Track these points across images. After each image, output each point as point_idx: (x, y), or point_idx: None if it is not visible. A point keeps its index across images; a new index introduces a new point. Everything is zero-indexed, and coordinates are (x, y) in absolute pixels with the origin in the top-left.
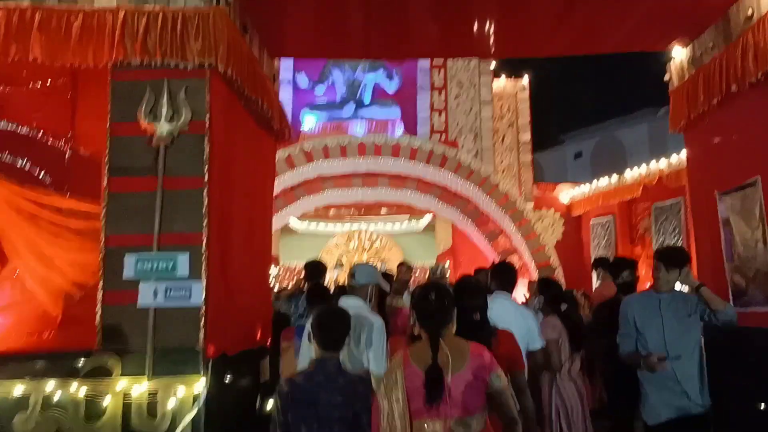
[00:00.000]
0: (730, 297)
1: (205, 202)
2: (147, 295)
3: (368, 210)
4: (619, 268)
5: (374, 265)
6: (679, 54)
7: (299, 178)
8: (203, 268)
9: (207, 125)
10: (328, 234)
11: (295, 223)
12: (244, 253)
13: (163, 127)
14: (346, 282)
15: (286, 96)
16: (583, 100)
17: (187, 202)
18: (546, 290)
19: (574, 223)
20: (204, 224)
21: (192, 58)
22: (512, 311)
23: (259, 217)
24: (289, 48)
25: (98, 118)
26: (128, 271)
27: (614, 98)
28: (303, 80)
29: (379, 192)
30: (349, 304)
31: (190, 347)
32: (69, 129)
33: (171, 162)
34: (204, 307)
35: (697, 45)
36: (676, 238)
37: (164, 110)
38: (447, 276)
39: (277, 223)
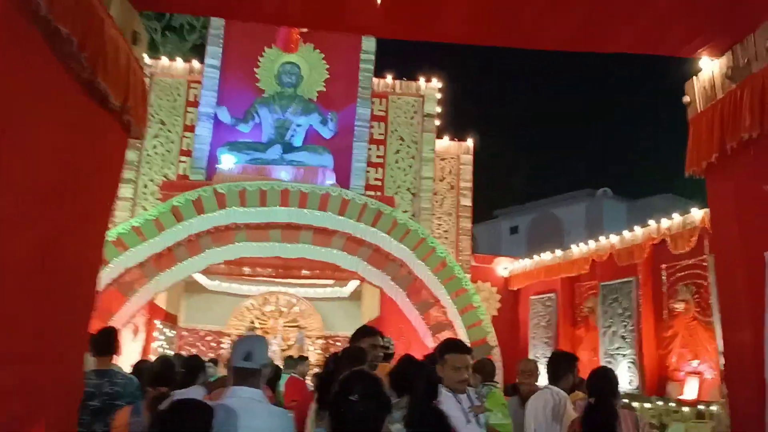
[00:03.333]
0: None
1: None
2: None
3: (288, 271)
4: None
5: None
6: (710, 67)
7: (207, 225)
8: None
9: None
10: (241, 295)
11: (203, 279)
12: (21, 293)
13: None
14: (233, 363)
15: (204, 132)
16: (521, 177)
17: None
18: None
19: (511, 298)
20: None
21: None
22: None
23: (71, 238)
24: None
25: None
26: None
27: (553, 176)
28: (225, 115)
29: (301, 248)
30: (243, 396)
31: None
32: None
33: None
34: None
35: (742, 50)
36: (625, 322)
37: None
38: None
39: (176, 276)
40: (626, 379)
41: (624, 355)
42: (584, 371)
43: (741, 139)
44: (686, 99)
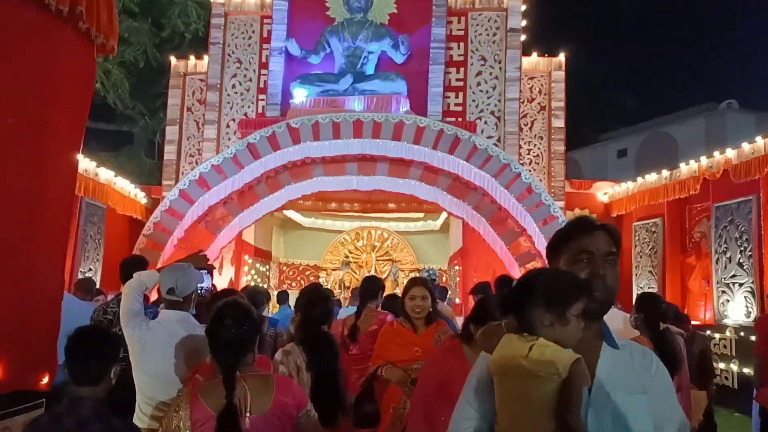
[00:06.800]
0: None
1: None
2: None
3: (375, 205)
4: None
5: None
6: None
7: (282, 160)
8: None
9: None
10: (334, 230)
11: (297, 216)
12: None
13: None
14: (161, 293)
15: (277, 67)
16: (629, 95)
17: None
18: (644, 307)
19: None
20: None
21: None
22: None
23: (18, 158)
24: None
25: None
26: None
27: (666, 93)
28: (294, 48)
29: (378, 180)
30: (171, 318)
31: None
32: None
33: None
34: None
35: None
36: (743, 247)
37: None
38: (436, 281)
39: (258, 212)
40: (743, 310)
41: (741, 284)
42: (694, 303)
43: None
44: None
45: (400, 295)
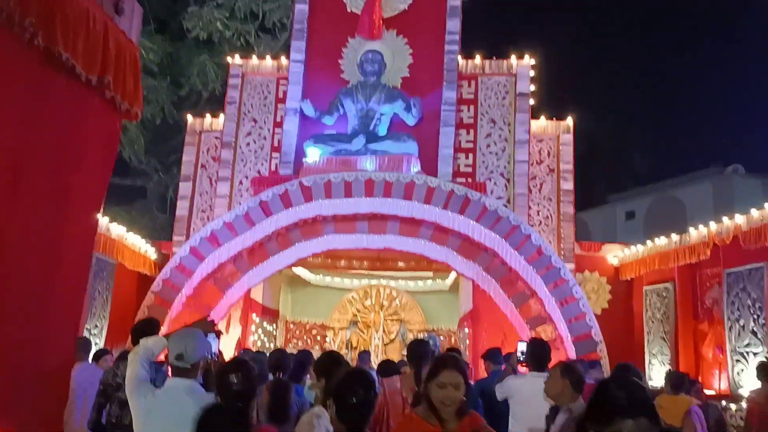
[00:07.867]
0: None
1: None
2: None
3: (384, 263)
4: None
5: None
6: None
7: (294, 218)
8: None
9: None
10: (343, 288)
11: (305, 274)
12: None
13: None
14: (169, 360)
15: (291, 127)
16: (637, 157)
17: None
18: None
19: (623, 289)
20: None
21: None
22: None
23: (42, 222)
24: None
25: None
26: None
27: (673, 155)
28: (309, 109)
29: (388, 239)
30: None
31: None
32: None
33: None
34: None
35: None
36: (756, 315)
37: None
38: (437, 352)
39: (268, 270)
40: (757, 382)
41: (755, 354)
42: (709, 371)
43: None
44: None
45: (393, 359)
